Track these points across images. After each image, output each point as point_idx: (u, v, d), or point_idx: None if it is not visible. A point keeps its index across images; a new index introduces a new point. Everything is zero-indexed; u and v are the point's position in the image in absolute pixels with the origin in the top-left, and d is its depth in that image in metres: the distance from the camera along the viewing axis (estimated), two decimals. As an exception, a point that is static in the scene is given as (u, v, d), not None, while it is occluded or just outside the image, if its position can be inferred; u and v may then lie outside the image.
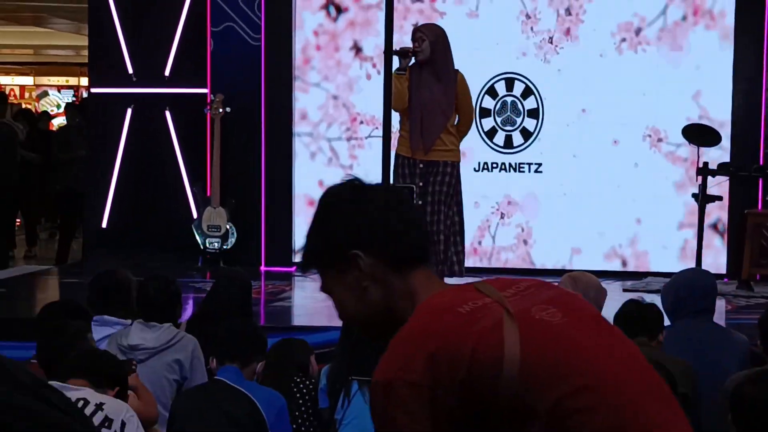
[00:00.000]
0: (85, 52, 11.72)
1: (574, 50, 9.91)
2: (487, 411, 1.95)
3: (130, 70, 10.71)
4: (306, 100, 10.33)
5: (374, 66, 10.06)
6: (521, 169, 10.04)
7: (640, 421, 1.97)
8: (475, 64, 9.23)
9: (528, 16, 9.97)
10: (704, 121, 9.52)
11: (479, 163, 10.03)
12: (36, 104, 25.39)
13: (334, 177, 10.64)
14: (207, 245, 10.07)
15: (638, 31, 9.85)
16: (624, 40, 9.86)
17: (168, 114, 10.60)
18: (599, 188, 9.91)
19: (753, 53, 9.79)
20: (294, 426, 5.05)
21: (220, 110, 10.04)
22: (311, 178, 10.14)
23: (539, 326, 2.01)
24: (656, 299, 5.71)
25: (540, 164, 10.01)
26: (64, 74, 26.59)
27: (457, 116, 8.13)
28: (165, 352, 5.36)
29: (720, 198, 8.82)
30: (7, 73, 26.32)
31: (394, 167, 7.80)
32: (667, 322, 5.37)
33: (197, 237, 10.10)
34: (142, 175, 10.71)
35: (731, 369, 4.97)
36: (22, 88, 26.98)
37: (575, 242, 9.97)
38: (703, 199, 8.55)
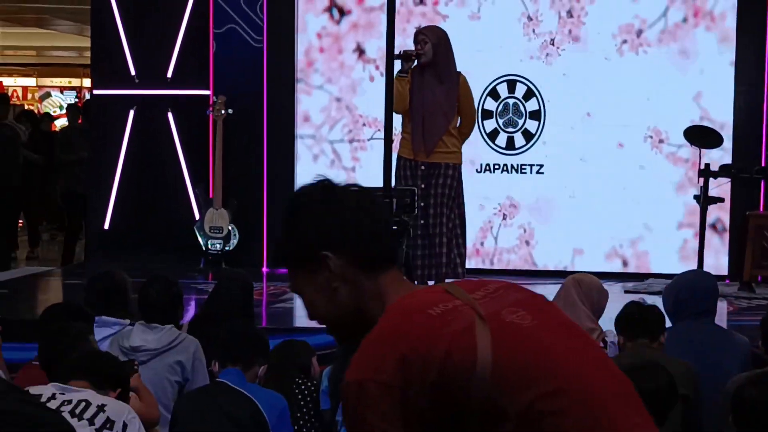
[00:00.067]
0: (88, 54, 11.74)
1: (575, 52, 9.93)
2: (459, 413, 1.96)
3: (133, 72, 10.71)
4: (309, 103, 10.35)
5: (377, 68, 10.07)
6: (523, 171, 10.06)
7: (611, 425, 1.98)
8: (477, 66, 9.23)
9: (530, 18, 9.98)
10: (705, 122, 9.54)
11: (481, 165, 10.04)
12: (38, 105, 25.41)
13: (338, 178, 10.73)
14: (209, 246, 10.08)
15: (639, 33, 9.87)
16: (625, 41, 9.87)
17: (170, 115, 10.61)
18: (601, 189, 9.92)
19: (754, 54, 9.80)
20: (295, 427, 5.06)
21: (223, 112, 10.05)
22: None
23: (510, 329, 2.02)
24: (658, 301, 5.71)
25: (542, 165, 10.03)
26: (66, 75, 26.61)
27: (459, 118, 8.13)
28: (166, 354, 5.36)
29: (722, 200, 8.82)
30: (10, 75, 26.34)
31: (395, 169, 7.80)
32: (668, 323, 5.37)
33: (199, 238, 10.11)
34: (144, 176, 10.72)
35: (732, 370, 4.97)
36: (25, 89, 27.00)
37: (577, 243, 9.98)
38: (704, 201, 8.55)
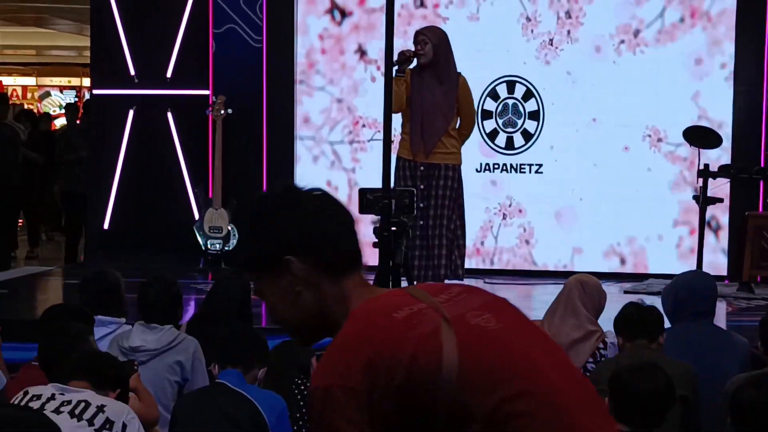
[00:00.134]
0: (87, 53, 11.75)
1: (574, 53, 9.95)
2: (425, 416, 1.97)
3: (132, 72, 10.72)
4: (310, 104, 10.36)
5: (378, 69, 10.08)
6: (522, 170, 10.08)
7: (576, 426, 1.99)
8: (476, 67, 9.25)
9: (528, 19, 10.00)
10: (703, 122, 9.57)
11: (481, 164, 10.06)
12: (38, 105, 25.41)
13: (338, 179, 10.75)
14: (208, 246, 10.09)
15: (637, 33, 9.90)
16: (623, 41, 9.91)
17: (170, 115, 10.61)
18: (601, 187, 9.96)
19: (753, 54, 9.81)
20: (295, 428, 5.06)
21: (222, 112, 10.06)
22: (315, 181, 10.16)
23: (476, 332, 2.03)
24: (657, 301, 5.71)
25: (541, 165, 10.05)
26: (66, 75, 26.61)
27: (458, 119, 8.14)
28: (166, 354, 5.37)
29: (721, 200, 8.83)
30: (10, 74, 26.33)
31: (395, 170, 7.80)
32: (667, 324, 5.37)
33: (199, 238, 10.11)
34: (143, 176, 10.72)
35: (731, 371, 4.98)
36: (25, 88, 27.00)
37: (577, 242, 10.01)
38: (704, 201, 8.56)
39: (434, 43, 7.99)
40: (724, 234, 9.86)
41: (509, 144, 10.11)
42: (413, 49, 7.99)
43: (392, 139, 6.08)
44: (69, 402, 3.94)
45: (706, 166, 8.60)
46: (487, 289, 8.87)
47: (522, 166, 10.09)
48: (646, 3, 9.92)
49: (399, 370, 1.96)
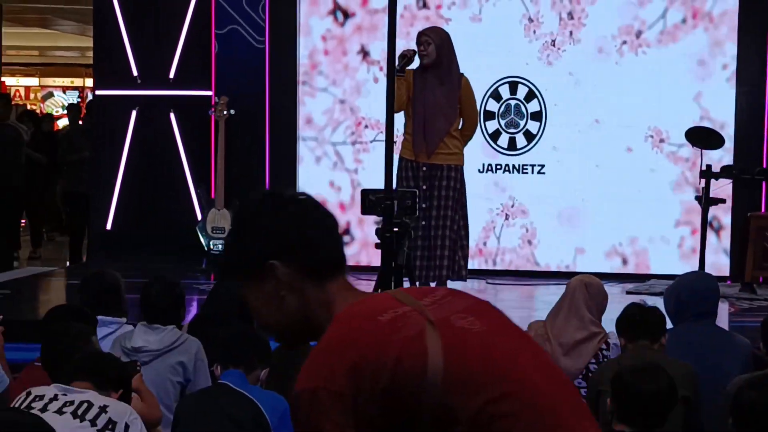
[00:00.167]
0: (90, 54, 11.76)
1: (576, 53, 9.96)
2: (410, 419, 1.97)
3: (135, 72, 10.73)
4: (313, 105, 10.37)
5: (381, 69, 10.09)
6: (524, 171, 10.09)
7: (560, 426, 2.01)
8: (479, 68, 9.26)
9: (530, 20, 10.01)
10: (705, 122, 9.58)
11: (483, 165, 10.07)
12: (41, 105, 25.44)
13: (341, 180, 10.75)
14: (211, 247, 10.10)
15: (639, 34, 9.92)
16: (625, 42, 9.92)
17: (172, 116, 10.62)
18: (603, 188, 9.97)
19: (756, 54, 9.81)
20: (297, 429, 5.05)
21: (225, 112, 10.07)
22: (316, 182, 10.22)
23: (460, 334, 2.04)
24: (659, 302, 5.72)
25: (543, 165, 10.07)
26: (69, 75, 26.65)
27: (461, 120, 8.14)
28: (168, 354, 5.37)
29: (723, 201, 8.83)
30: (13, 74, 26.36)
31: (397, 170, 7.81)
32: (669, 325, 5.37)
33: (201, 239, 10.12)
34: (146, 177, 10.73)
35: (733, 372, 4.98)
36: (28, 89, 27.04)
37: (579, 243, 10.02)
38: (706, 202, 8.56)
39: (437, 44, 8.00)
40: (726, 234, 9.87)
41: (512, 145, 10.12)
42: (416, 49, 8.01)
43: (395, 140, 6.09)
44: (72, 402, 3.94)
45: (709, 166, 8.61)
46: (490, 291, 8.86)
47: (524, 167, 10.11)
48: (648, 4, 9.93)
49: (384, 373, 1.97)
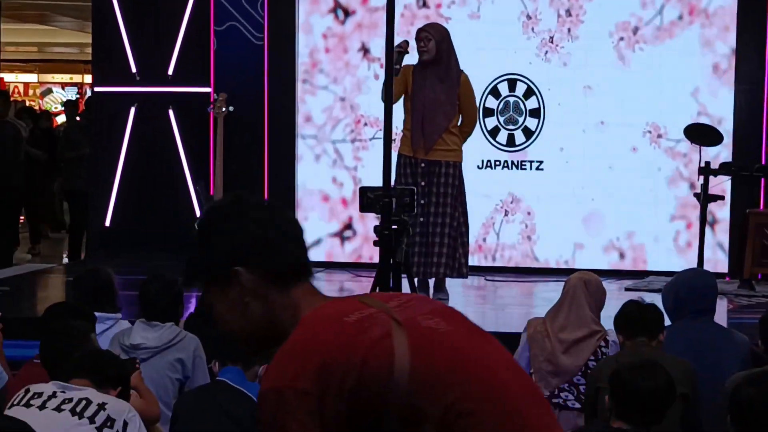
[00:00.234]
0: (89, 50, 11.76)
1: (574, 50, 9.99)
2: (377, 419, 1.98)
3: (134, 69, 10.73)
4: (313, 103, 10.38)
5: (381, 66, 10.09)
6: (523, 167, 10.11)
7: (526, 425, 2.03)
8: (477, 65, 9.27)
9: (529, 17, 10.03)
10: (703, 118, 9.61)
11: (482, 161, 10.09)
12: (40, 101, 25.43)
13: (341, 177, 10.73)
14: (210, 244, 10.07)
15: (636, 30, 9.94)
16: (622, 39, 9.95)
17: (171, 113, 10.62)
18: (602, 184, 10.00)
19: (755, 52, 9.82)
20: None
21: (223, 109, 10.05)
22: (317, 178, 10.24)
23: (427, 334, 2.05)
24: (657, 298, 5.73)
25: (541, 162, 10.08)
26: (68, 71, 26.64)
27: (460, 117, 8.14)
28: (167, 351, 5.38)
29: (722, 198, 8.84)
30: (12, 71, 26.35)
31: (396, 167, 7.82)
32: (668, 321, 5.38)
33: (200, 236, 10.10)
34: (145, 173, 10.73)
35: (732, 369, 4.98)
36: (27, 85, 27.02)
37: (578, 238, 10.04)
38: (705, 198, 8.57)
39: (437, 40, 8.00)
40: (720, 228, 9.90)
41: (510, 141, 10.14)
42: (416, 46, 7.99)
43: (393, 138, 6.09)
44: (70, 400, 3.95)
45: (707, 163, 8.61)
46: (489, 288, 8.86)
47: (523, 163, 10.13)
48: (645, 0, 9.94)
49: (351, 373, 1.97)
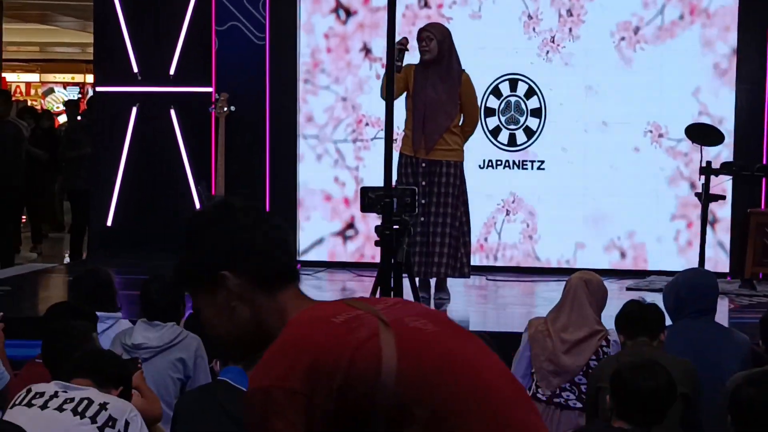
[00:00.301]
0: (91, 50, 11.76)
1: (575, 50, 10.00)
2: (365, 419, 1.98)
3: (135, 69, 10.73)
4: (315, 103, 10.39)
5: (383, 66, 10.10)
6: (524, 167, 10.13)
7: (511, 424, 2.04)
8: (479, 65, 9.28)
9: (530, 17, 10.04)
10: (704, 117, 9.62)
11: (484, 161, 10.10)
12: (42, 101, 25.45)
13: (342, 177, 10.74)
14: (211, 244, 10.08)
15: (636, 30, 9.95)
16: (623, 38, 9.96)
17: (173, 113, 10.63)
18: (603, 183, 10.01)
19: (756, 51, 9.82)
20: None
21: (225, 109, 10.07)
22: (319, 178, 10.24)
23: (414, 334, 2.06)
24: (658, 298, 5.73)
25: (543, 161, 10.10)
26: (69, 71, 26.66)
27: (461, 116, 8.14)
28: (168, 351, 5.38)
29: (723, 197, 8.84)
30: (13, 70, 26.37)
31: (397, 166, 7.82)
32: (668, 321, 5.38)
33: (202, 235, 10.10)
34: (146, 173, 10.73)
35: (732, 369, 4.99)
36: (28, 85, 27.04)
37: (579, 238, 10.05)
38: (706, 198, 8.57)
39: (439, 40, 8.01)
40: (721, 228, 9.91)
41: (512, 141, 10.15)
42: (417, 46, 8.00)
43: (395, 138, 6.10)
44: (72, 399, 3.96)
45: (708, 163, 8.62)
46: (490, 287, 8.87)
47: (524, 163, 10.14)
48: (647, 0, 9.96)
49: (338, 373, 1.98)
